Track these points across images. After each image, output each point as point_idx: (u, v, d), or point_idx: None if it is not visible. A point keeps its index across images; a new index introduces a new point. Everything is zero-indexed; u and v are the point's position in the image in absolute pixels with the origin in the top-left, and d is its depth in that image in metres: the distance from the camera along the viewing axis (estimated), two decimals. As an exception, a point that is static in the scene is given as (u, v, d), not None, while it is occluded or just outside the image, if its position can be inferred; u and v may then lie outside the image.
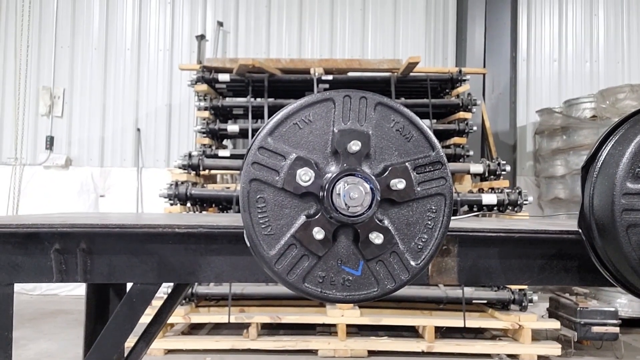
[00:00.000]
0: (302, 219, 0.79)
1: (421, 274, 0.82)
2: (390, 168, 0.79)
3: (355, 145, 0.78)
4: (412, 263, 0.81)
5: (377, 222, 0.79)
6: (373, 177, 0.78)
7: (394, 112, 0.81)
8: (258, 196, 0.79)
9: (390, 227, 0.80)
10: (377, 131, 0.80)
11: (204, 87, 4.77)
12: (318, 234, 0.78)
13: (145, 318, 1.16)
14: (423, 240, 0.81)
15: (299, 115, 0.79)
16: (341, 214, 0.77)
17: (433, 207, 0.81)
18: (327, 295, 0.81)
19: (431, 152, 0.81)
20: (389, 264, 0.81)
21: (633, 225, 0.82)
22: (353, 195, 0.76)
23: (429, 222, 0.81)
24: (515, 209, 4.11)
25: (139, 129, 6.62)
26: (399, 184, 0.79)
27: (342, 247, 0.81)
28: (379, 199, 0.78)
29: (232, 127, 4.71)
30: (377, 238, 0.79)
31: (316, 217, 0.78)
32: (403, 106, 0.82)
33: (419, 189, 0.80)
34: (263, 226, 0.79)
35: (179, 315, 3.92)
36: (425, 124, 0.82)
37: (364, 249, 0.80)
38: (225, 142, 5.37)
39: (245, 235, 0.81)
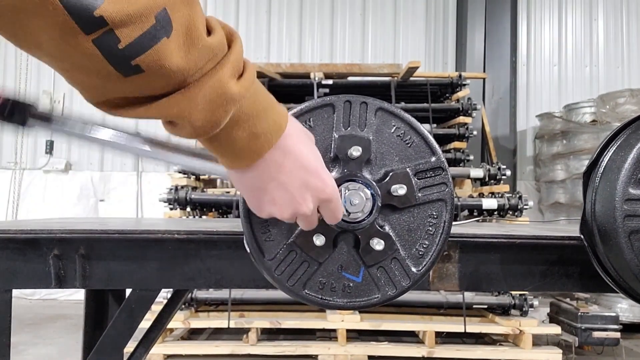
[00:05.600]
0: None
1: (422, 280, 0.81)
2: (391, 174, 0.79)
3: (356, 151, 0.77)
4: (413, 269, 0.80)
5: (378, 228, 0.79)
6: (374, 183, 0.77)
7: (394, 117, 0.80)
8: None
9: (391, 233, 0.79)
10: (377, 136, 0.80)
11: (204, 91, 4.76)
12: (318, 240, 0.78)
13: (145, 323, 1.15)
14: (424, 246, 0.81)
15: (299, 120, 0.79)
16: (342, 220, 0.76)
17: (434, 213, 0.81)
18: (327, 302, 0.80)
19: (432, 158, 0.80)
20: (390, 270, 0.80)
21: (635, 232, 0.82)
22: (354, 201, 0.75)
23: (430, 228, 0.81)
24: (516, 213, 4.10)
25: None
26: (399, 189, 0.78)
27: (343, 253, 0.80)
28: (379, 205, 0.77)
29: (232, 132, 4.70)
30: (378, 244, 0.78)
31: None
32: (404, 111, 0.81)
33: (420, 194, 0.80)
34: (263, 232, 0.79)
35: (179, 320, 3.91)
36: (425, 128, 0.81)
37: (364, 255, 0.79)
38: (225, 146, 5.36)
39: (244, 241, 0.80)
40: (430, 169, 0.80)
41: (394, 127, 0.80)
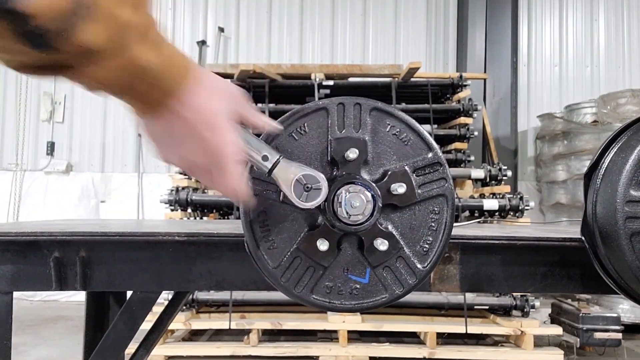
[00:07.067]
0: (305, 230, 0.79)
1: (428, 277, 0.81)
2: (389, 173, 0.79)
3: (352, 153, 0.78)
4: (419, 266, 0.80)
5: (381, 228, 0.79)
6: (373, 184, 0.77)
7: (389, 116, 0.81)
8: (259, 211, 0.78)
9: (394, 232, 0.80)
10: (373, 137, 0.80)
11: (205, 92, 4.76)
12: (322, 245, 0.78)
13: (146, 324, 1.15)
14: (428, 242, 0.81)
15: (294, 126, 0.79)
16: (344, 223, 0.76)
17: (435, 209, 0.81)
18: (336, 306, 0.80)
19: (429, 154, 0.81)
20: (396, 269, 0.80)
21: (636, 233, 0.82)
22: (354, 203, 0.76)
23: (433, 224, 0.81)
24: (517, 214, 4.10)
25: (140, 135, 6.62)
26: (399, 188, 0.78)
27: (347, 255, 0.80)
28: (380, 205, 0.77)
29: (233, 133, 4.70)
30: (381, 244, 0.78)
31: (319, 228, 0.78)
32: (398, 110, 0.81)
33: (419, 191, 0.80)
34: (266, 241, 0.79)
35: (180, 322, 3.91)
36: (426, 129, 0.81)
37: (369, 256, 0.79)
38: (226, 147, 5.37)
39: (247, 248, 0.80)
40: (428, 165, 0.80)
41: (389, 126, 0.80)
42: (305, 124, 0.79)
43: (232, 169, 0.71)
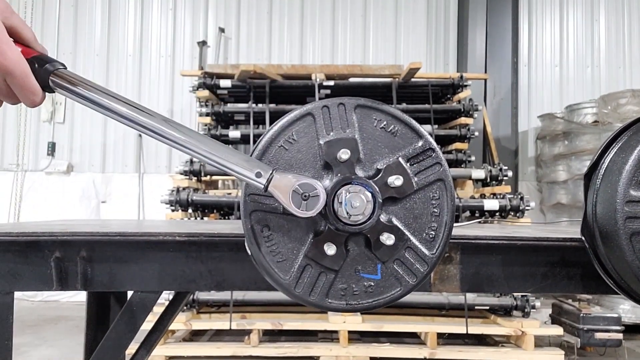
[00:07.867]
0: (310, 238, 0.79)
1: (437, 264, 0.81)
2: (384, 167, 0.79)
3: (344, 154, 0.78)
4: (428, 253, 0.80)
5: (385, 223, 0.79)
6: (370, 181, 0.78)
7: (374, 111, 0.81)
8: (262, 226, 0.79)
9: (398, 225, 0.80)
10: (362, 134, 0.80)
11: (205, 93, 4.78)
12: (329, 249, 0.78)
13: (147, 325, 1.16)
14: (433, 228, 0.81)
15: (282, 136, 0.79)
16: (347, 225, 0.77)
17: (435, 195, 0.81)
18: (353, 306, 0.80)
19: (419, 142, 0.81)
20: (406, 260, 0.80)
21: (636, 233, 0.81)
22: (354, 203, 0.76)
23: (435, 210, 0.81)
24: (518, 214, 4.10)
25: (140, 135, 6.63)
26: (396, 180, 0.78)
27: (356, 255, 0.80)
28: (380, 201, 0.78)
29: (234, 133, 4.72)
30: (388, 239, 0.78)
31: (323, 233, 0.78)
32: (381, 103, 0.82)
33: (416, 179, 0.80)
34: (274, 254, 0.79)
35: (180, 322, 3.91)
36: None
37: (377, 252, 0.79)
38: (226, 147, 5.38)
39: (255, 263, 0.80)
40: (421, 153, 0.81)
41: (376, 121, 0.81)
42: (293, 133, 0.80)
43: (25, 83, 0.78)
